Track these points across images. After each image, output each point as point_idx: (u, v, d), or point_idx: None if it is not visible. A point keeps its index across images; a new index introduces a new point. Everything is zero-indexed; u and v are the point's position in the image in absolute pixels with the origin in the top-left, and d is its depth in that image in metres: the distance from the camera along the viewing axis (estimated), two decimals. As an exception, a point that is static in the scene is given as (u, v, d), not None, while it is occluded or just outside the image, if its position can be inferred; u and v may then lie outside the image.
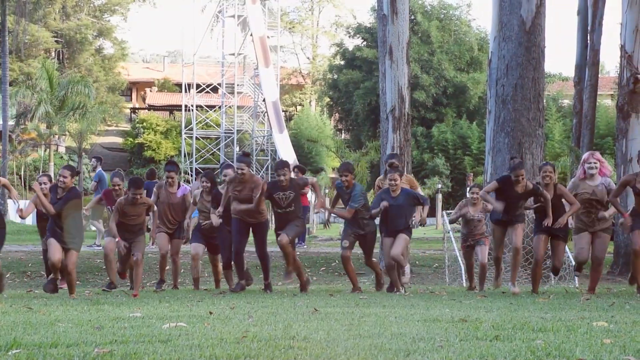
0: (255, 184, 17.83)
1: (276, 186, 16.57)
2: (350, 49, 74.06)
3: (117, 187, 20.96)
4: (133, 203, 20.48)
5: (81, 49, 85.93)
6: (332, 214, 19.38)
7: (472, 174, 63.00)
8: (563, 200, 18.09)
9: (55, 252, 16.83)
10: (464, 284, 24.57)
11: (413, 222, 17.21)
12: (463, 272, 25.77)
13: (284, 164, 16.81)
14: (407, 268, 19.91)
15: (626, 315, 13.27)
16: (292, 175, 28.76)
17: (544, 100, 30.48)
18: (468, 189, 20.76)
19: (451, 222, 21.99)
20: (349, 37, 77.21)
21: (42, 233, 21.74)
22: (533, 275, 16.87)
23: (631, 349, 8.60)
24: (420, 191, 20.45)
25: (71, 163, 62.35)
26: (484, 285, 20.47)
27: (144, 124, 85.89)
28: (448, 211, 27.97)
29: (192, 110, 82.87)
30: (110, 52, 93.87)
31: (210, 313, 13.96)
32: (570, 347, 8.82)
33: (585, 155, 18.93)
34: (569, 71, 45.54)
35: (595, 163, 16.24)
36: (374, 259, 20.05)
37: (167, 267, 23.98)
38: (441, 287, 24.68)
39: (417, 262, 30.93)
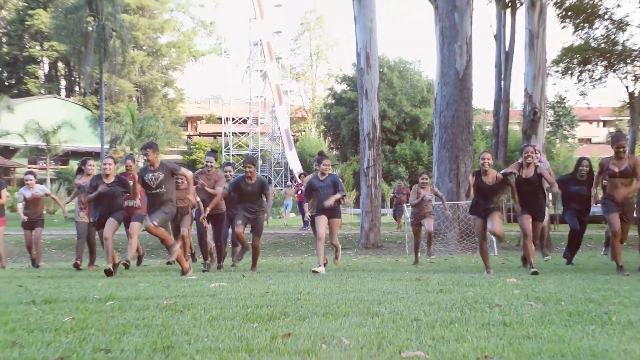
0: (218, 177, 16.72)
1: (146, 170, 14.43)
2: (338, 92, 73.76)
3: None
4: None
5: (153, 95, 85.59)
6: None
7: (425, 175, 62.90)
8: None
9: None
10: (421, 254, 23.16)
11: (326, 203, 15.33)
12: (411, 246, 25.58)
13: (145, 146, 14.68)
14: (340, 247, 17.65)
15: (529, 275, 13.39)
16: (299, 179, 29.80)
17: (472, 126, 30.34)
18: (419, 175, 19.20)
19: (414, 205, 18.79)
20: (337, 83, 76.85)
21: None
22: (525, 250, 14.63)
23: (532, 297, 8.68)
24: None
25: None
26: (431, 248, 19.51)
27: (196, 145, 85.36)
28: (406, 204, 27.55)
29: (229, 135, 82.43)
30: (172, 96, 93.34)
31: (243, 276, 13.99)
32: (491, 296, 8.88)
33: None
34: (490, 106, 45.13)
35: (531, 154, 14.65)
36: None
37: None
38: (403, 257, 24.57)
39: (386, 240, 30.76)
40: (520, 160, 14.54)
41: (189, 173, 15.81)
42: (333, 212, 15.49)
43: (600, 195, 16.98)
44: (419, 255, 19.49)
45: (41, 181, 34.45)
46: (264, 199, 17.22)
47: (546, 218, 18.54)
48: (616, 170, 13.38)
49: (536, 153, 14.99)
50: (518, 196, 14.31)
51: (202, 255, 17.59)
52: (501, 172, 14.32)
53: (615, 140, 14.06)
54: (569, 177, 16.65)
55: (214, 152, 17.05)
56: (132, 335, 6.10)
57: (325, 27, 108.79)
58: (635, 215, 19.10)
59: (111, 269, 14.72)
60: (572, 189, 16.17)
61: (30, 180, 18.61)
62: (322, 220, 15.38)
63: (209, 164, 16.61)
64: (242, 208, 15.94)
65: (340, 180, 15.71)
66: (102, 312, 7.85)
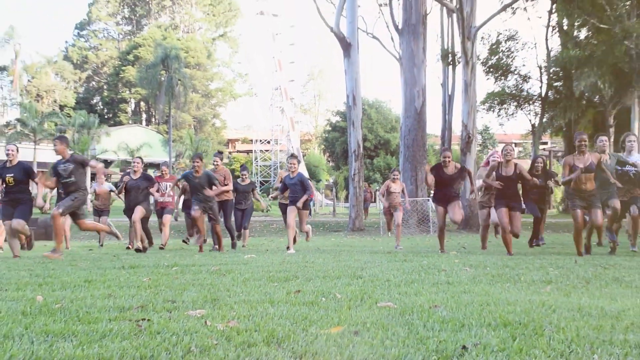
0: (225, 172, 15.36)
1: (59, 161, 11.91)
2: (334, 122, 73.72)
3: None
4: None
5: (205, 124, 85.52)
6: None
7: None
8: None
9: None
10: (388, 234, 23.13)
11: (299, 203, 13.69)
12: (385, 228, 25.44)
13: (58, 137, 12.24)
14: (310, 230, 16.12)
15: (468, 249, 13.37)
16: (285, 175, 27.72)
17: (426, 146, 30.30)
18: (391, 171, 17.20)
19: (382, 194, 16.74)
20: (333, 116, 76.68)
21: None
22: (504, 241, 12.33)
23: (467, 264, 8.63)
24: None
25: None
26: (399, 240, 16.33)
27: (235, 159, 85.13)
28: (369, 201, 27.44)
29: (257, 152, 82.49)
30: (218, 125, 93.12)
31: (267, 250, 13.99)
32: (439, 264, 8.84)
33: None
34: (438, 132, 45.07)
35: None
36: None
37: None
38: (379, 237, 24.49)
39: (366, 225, 30.74)
40: (499, 160, 12.60)
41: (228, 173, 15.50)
42: (302, 204, 13.85)
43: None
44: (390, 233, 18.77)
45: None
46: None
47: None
48: (581, 166, 11.51)
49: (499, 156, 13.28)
50: (498, 191, 12.43)
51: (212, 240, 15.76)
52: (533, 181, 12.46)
53: (578, 134, 12.08)
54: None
55: (220, 153, 15.97)
56: (189, 291, 6.10)
57: (325, 77, 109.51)
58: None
59: (140, 247, 14.05)
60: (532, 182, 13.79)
61: (101, 178, 17.87)
62: (292, 211, 13.86)
63: (215, 163, 15.23)
64: (195, 198, 14.16)
65: (308, 179, 14.37)
66: (169, 275, 7.85)
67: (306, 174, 73.72)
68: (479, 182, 13.82)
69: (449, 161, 13.07)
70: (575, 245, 12.07)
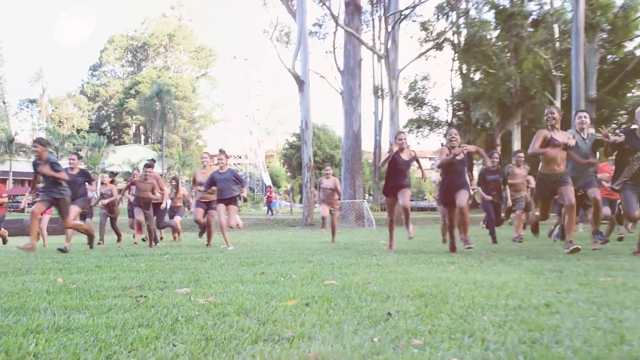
0: (156, 180, 12.40)
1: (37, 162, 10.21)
2: (291, 141, 73.45)
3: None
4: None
5: (190, 143, 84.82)
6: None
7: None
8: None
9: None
10: (322, 231, 22.15)
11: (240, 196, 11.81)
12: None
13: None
14: (241, 222, 12.80)
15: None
16: (268, 188, 27.33)
17: (362, 160, 30.45)
18: (324, 167, 14.28)
19: (318, 190, 13.97)
20: (291, 136, 76.19)
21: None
22: (448, 230, 9.59)
23: (393, 250, 8.63)
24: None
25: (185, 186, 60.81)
26: (335, 238, 13.84)
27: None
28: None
29: (231, 165, 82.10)
30: (201, 144, 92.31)
31: (239, 241, 13.87)
32: (372, 250, 8.86)
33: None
34: (371, 149, 45.41)
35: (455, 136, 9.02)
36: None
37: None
38: (325, 230, 24.52)
39: (308, 220, 30.74)
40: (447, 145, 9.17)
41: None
42: (229, 200, 11.45)
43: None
44: (325, 228, 16.01)
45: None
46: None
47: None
48: (560, 140, 8.10)
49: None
50: (445, 178, 9.20)
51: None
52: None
53: (548, 107, 8.60)
54: (484, 169, 12.14)
55: (152, 162, 13.14)
56: (177, 273, 6.09)
57: (284, 106, 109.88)
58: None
59: (66, 248, 11.19)
60: (489, 177, 11.90)
61: (104, 182, 16.58)
62: (220, 208, 11.43)
63: (146, 173, 12.32)
64: (44, 191, 10.83)
65: (241, 175, 12.29)
66: (161, 261, 7.81)
67: (269, 182, 73.78)
68: (435, 176, 11.31)
69: (405, 145, 9.95)
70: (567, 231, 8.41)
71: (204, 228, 13.39)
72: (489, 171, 11.85)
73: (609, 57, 37.83)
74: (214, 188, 11.63)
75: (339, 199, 14.25)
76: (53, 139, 57.14)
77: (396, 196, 9.90)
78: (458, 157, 8.88)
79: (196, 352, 2.64)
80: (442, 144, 9.23)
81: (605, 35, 35.86)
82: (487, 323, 3.24)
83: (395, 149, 10.00)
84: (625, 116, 38.96)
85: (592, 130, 9.07)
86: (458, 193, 8.86)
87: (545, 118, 8.41)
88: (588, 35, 32.01)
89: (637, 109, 8.31)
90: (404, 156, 9.84)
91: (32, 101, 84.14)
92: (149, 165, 12.63)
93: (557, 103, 36.06)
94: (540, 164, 8.30)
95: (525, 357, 2.50)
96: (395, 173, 9.89)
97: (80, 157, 12.08)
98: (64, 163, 11.08)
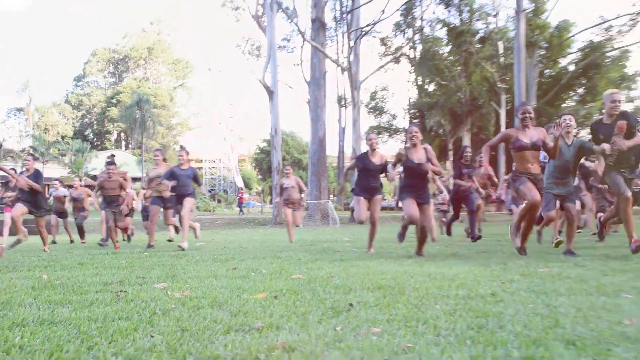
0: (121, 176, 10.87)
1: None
2: (262, 146, 73.03)
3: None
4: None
5: (168, 148, 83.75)
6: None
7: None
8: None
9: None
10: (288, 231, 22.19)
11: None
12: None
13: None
14: (198, 227, 12.29)
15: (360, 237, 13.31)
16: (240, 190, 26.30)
17: (326, 164, 30.50)
18: (284, 167, 12.47)
19: (278, 191, 12.29)
20: (261, 142, 75.73)
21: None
22: (420, 239, 7.50)
23: (355, 247, 8.66)
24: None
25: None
26: (292, 238, 12.05)
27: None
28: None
29: (207, 168, 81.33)
30: (178, 149, 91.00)
31: (213, 239, 13.75)
32: (335, 247, 8.86)
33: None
34: (335, 153, 45.53)
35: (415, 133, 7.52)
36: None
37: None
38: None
39: (277, 219, 30.59)
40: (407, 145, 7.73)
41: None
42: (187, 195, 10.28)
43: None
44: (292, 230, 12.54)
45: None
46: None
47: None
48: (526, 141, 6.90)
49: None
50: (407, 180, 7.62)
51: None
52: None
53: (521, 105, 7.28)
54: (457, 163, 10.96)
55: (110, 159, 11.56)
56: (155, 270, 6.02)
57: (255, 114, 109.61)
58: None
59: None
60: (464, 171, 10.54)
61: (56, 185, 15.21)
62: (187, 202, 10.22)
63: (109, 170, 10.77)
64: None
65: (215, 177, 10.88)
66: (141, 259, 7.72)
67: (241, 184, 73.47)
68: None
69: (376, 145, 8.67)
70: (522, 238, 7.19)
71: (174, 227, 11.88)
72: (464, 165, 10.71)
73: (546, 71, 38.72)
74: (167, 183, 10.25)
75: (302, 196, 12.46)
76: (39, 144, 56.20)
77: (369, 202, 8.45)
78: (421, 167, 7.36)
79: (172, 343, 2.62)
80: (400, 148, 7.57)
81: (543, 52, 36.66)
82: (439, 311, 3.27)
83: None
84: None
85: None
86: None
87: (521, 116, 6.94)
88: (528, 51, 32.61)
89: (604, 92, 7.71)
90: (375, 160, 8.41)
91: (20, 109, 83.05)
92: (111, 162, 11.22)
93: (502, 112, 36.62)
94: (514, 163, 7.11)
95: (473, 341, 2.53)
96: (366, 175, 8.44)
97: (36, 159, 11.24)
98: (49, 167, 10.83)
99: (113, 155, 12.12)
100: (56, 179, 16.73)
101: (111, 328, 2.97)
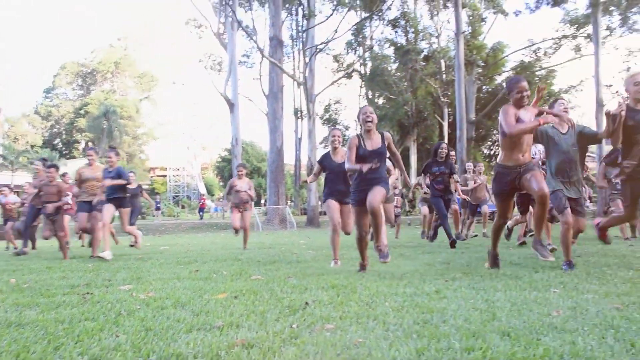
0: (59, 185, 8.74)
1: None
2: (223, 155, 72.36)
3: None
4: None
5: (134, 157, 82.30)
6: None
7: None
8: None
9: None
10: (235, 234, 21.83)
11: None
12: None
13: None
14: (140, 236, 10.56)
15: (317, 239, 13.24)
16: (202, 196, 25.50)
17: (284, 171, 30.39)
18: (236, 167, 10.78)
19: (227, 192, 10.81)
20: (223, 151, 75.04)
21: None
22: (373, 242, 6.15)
23: (311, 248, 8.65)
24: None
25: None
26: (246, 244, 10.28)
27: (155, 181, 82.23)
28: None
29: (171, 176, 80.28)
30: (144, 158, 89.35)
31: (177, 243, 13.53)
32: (293, 249, 8.81)
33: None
34: (292, 162, 45.75)
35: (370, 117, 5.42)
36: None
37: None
38: (253, 232, 24.30)
39: (225, 224, 30.43)
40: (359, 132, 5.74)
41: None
42: (120, 202, 8.73)
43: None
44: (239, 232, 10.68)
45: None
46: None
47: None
48: (526, 119, 5.13)
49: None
50: (360, 174, 5.43)
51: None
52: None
53: (516, 82, 5.19)
54: (430, 161, 9.35)
55: (43, 161, 10.84)
56: (121, 272, 5.90)
57: (217, 124, 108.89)
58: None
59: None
60: (434, 169, 9.11)
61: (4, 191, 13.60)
62: (109, 208, 8.62)
63: (48, 174, 9.12)
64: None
65: (125, 171, 8.81)
66: (107, 262, 7.56)
67: (204, 190, 72.73)
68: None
69: (339, 144, 6.93)
70: (492, 241, 5.58)
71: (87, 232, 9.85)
72: (435, 162, 9.23)
73: (484, 87, 39.62)
74: (96, 185, 8.97)
75: (252, 201, 10.61)
76: (8, 153, 54.60)
77: (338, 201, 6.67)
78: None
79: (137, 342, 2.57)
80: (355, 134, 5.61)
81: (480, 70, 37.52)
82: (388, 308, 3.29)
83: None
84: (497, 135, 40.88)
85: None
86: (372, 190, 5.26)
87: (517, 96, 5.04)
88: (467, 69, 33.35)
89: (625, 75, 6.05)
90: (337, 159, 6.73)
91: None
92: (53, 165, 9.39)
93: (445, 124, 37.32)
94: (500, 153, 5.26)
95: (418, 335, 2.55)
96: (333, 177, 6.74)
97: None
98: (18, 175, 10.32)
99: (45, 159, 11.27)
100: (5, 185, 15.19)
101: (77, 329, 2.90)
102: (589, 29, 29.86)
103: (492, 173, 4.75)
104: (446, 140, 36.75)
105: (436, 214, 9.74)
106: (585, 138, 5.79)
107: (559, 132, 5.72)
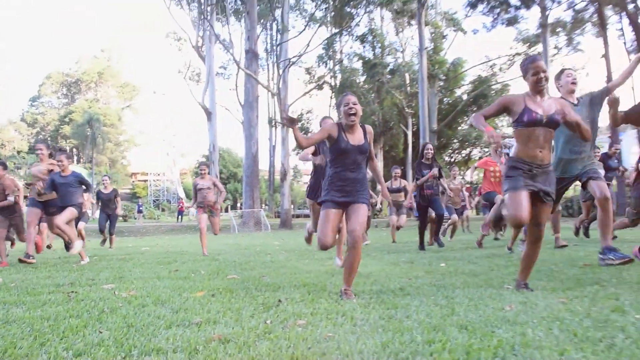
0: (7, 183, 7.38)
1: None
2: (201, 161, 71.54)
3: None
4: None
5: (116, 162, 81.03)
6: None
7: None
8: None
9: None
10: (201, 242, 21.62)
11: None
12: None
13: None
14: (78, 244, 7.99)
15: (291, 241, 13.14)
16: (181, 200, 24.84)
17: (259, 177, 30.21)
18: (198, 166, 9.35)
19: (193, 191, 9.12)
20: (201, 157, 74.38)
21: None
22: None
23: (285, 250, 8.61)
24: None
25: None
26: (205, 248, 8.76)
27: (136, 186, 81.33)
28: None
29: (152, 181, 79.40)
30: (125, 163, 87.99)
31: (157, 244, 13.38)
32: (266, 250, 8.78)
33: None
34: (267, 167, 45.69)
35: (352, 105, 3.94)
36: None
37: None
38: (229, 234, 24.08)
39: (223, 227, 30.21)
40: (341, 121, 4.11)
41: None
42: (69, 206, 7.49)
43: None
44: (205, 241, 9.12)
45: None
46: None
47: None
48: (540, 112, 3.57)
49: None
50: (337, 171, 3.93)
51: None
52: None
53: (532, 61, 3.72)
54: (419, 162, 8.42)
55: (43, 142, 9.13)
56: (104, 272, 5.82)
57: (197, 132, 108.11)
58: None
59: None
60: (424, 172, 8.16)
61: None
62: (64, 213, 7.50)
63: (39, 151, 8.28)
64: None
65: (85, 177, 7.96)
66: (90, 262, 7.44)
67: (183, 195, 71.95)
68: None
69: (357, 115, 4.20)
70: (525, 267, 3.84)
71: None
72: (424, 164, 8.35)
73: (445, 99, 40.20)
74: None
75: (219, 199, 9.23)
76: (-5, 158, 53.83)
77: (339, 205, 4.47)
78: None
79: (119, 337, 2.55)
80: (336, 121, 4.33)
81: (442, 83, 38.11)
82: (356, 305, 3.31)
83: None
84: (457, 144, 41.67)
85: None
86: (355, 209, 3.90)
87: (533, 78, 3.74)
88: (430, 82, 33.79)
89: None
90: (353, 138, 4.13)
91: (-24, 126, 78.94)
92: (63, 150, 8.58)
93: (409, 133, 37.63)
94: (515, 145, 3.82)
95: (384, 329, 2.58)
96: (340, 164, 4.11)
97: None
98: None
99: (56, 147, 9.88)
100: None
101: (62, 325, 2.87)
102: (539, 47, 30.53)
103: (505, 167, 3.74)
104: (410, 149, 37.14)
105: (435, 216, 8.78)
106: (597, 99, 5.01)
107: (571, 103, 4.68)
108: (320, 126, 5.28)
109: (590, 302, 3.16)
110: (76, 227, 9.01)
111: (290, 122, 3.75)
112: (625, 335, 2.35)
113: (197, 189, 9.05)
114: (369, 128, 4.12)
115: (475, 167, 9.39)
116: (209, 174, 9.29)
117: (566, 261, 5.67)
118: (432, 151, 8.35)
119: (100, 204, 12.10)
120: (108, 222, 11.97)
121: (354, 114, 4.03)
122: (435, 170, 8.27)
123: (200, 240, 8.97)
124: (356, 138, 3.97)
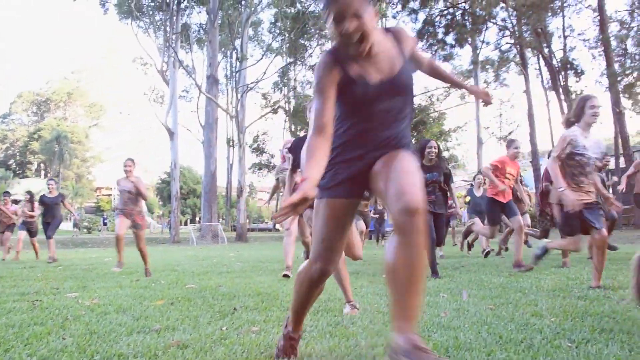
0: None
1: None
2: (163, 177, 70.04)
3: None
4: None
5: (82, 178, 78.39)
6: None
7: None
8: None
9: None
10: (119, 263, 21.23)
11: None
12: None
13: None
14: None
15: (256, 252, 13.01)
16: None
17: (217, 192, 29.88)
18: (124, 164, 7.32)
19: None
20: (163, 174, 72.77)
21: None
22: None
23: (239, 260, 8.52)
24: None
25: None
26: (148, 265, 7.21)
27: (101, 200, 78.85)
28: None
29: (116, 195, 77.16)
30: (91, 178, 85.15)
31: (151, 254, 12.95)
32: (223, 262, 8.66)
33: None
34: (224, 184, 45.24)
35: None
36: None
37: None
38: (188, 246, 23.59)
39: (175, 238, 29.59)
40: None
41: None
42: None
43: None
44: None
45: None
46: None
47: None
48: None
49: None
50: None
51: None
52: None
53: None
54: (420, 164, 5.78)
55: None
56: (68, 281, 5.59)
57: (158, 150, 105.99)
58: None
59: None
60: (427, 177, 5.79)
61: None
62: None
63: None
64: None
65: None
66: (55, 272, 7.12)
67: (145, 209, 70.15)
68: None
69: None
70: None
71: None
72: (424, 167, 5.91)
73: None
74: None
75: (144, 209, 7.66)
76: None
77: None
78: None
79: (82, 344, 2.46)
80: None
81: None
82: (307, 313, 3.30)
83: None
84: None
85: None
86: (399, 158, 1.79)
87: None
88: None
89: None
90: (371, 74, 1.85)
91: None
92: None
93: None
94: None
95: (331, 335, 2.59)
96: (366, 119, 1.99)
97: None
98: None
99: None
100: None
101: (27, 333, 2.74)
102: (472, 81, 31.59)
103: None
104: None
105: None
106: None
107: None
108: (281, 151, 4.29)
109: (514, 308, 3.26)
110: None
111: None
112: (542, 336, 2.43)
113: (118, 189, 7.29)
114: (396, 30, 1.98)
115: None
116: (136, 176, 7.40)
117: (494, 272, 5.82)
118: (436, 150, 6.04)
119: (43, 209, 10.61)
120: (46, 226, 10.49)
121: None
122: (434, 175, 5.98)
123: (117, 252, 7.47)
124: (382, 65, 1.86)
